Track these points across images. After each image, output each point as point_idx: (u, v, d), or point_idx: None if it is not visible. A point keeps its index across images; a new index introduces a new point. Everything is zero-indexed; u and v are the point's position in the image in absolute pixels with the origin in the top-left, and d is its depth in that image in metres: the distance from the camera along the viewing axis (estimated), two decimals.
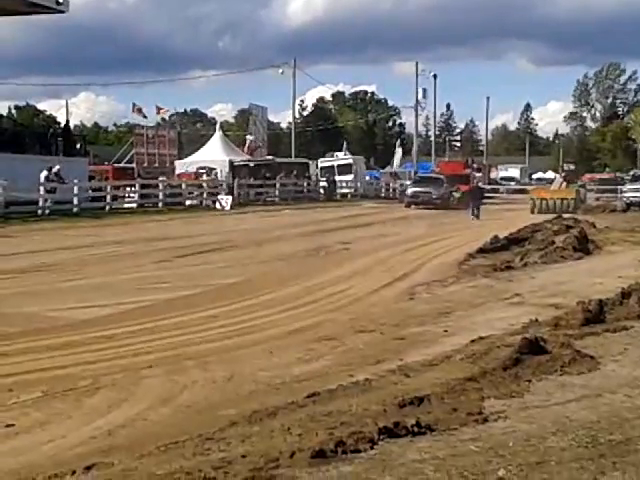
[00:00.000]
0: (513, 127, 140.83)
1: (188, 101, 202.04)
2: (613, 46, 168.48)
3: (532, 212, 37.49)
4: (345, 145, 63.90)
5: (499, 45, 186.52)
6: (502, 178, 75.16)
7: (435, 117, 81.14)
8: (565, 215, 28.47)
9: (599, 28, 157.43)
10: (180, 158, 52.20)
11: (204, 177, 44.93)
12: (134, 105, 52.68)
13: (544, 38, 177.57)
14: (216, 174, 45.57)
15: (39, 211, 31.26)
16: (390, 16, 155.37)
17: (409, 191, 45.46)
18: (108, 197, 36.55)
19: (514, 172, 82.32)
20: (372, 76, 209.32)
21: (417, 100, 69.35)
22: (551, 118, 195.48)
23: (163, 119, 67.81)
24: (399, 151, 71.67)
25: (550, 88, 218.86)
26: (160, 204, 38.65)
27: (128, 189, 40.18)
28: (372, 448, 4.68)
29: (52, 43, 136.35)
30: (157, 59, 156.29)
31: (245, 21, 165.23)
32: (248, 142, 55.96)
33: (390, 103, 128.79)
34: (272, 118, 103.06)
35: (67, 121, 55.15)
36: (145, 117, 52.38)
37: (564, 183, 45.03)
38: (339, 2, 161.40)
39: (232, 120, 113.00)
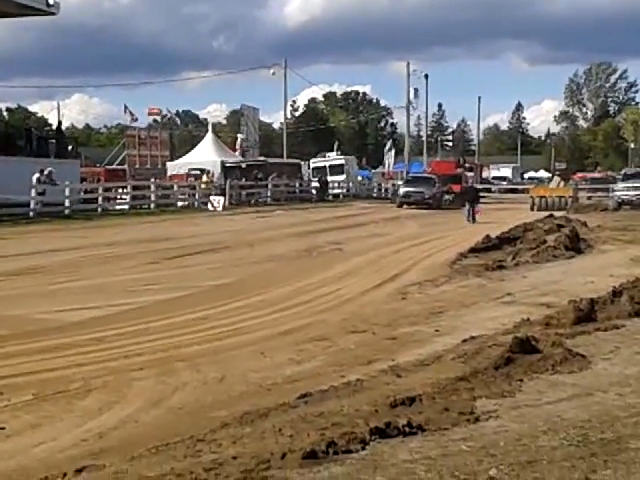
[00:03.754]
0: (506, 126, 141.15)
1: (182, 102, 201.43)
2: (609, 45, 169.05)
3: (532, 209, 38.59)
4: (336, 145, 63.90)
5: (494, 44, 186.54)
6: (494, 177, 75.19)
7: (427, 117, 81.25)
8: (557, 214, 28.54)
9: (595, 26, 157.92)
10: (172, 159, 52.14)
11: (204, 178, 44.76)
12: (126, 107, 52.41)
13: (539, 37, 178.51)
14: (212, 175, 45.42)
15: (31, 213, 31.19)
16: (386, 16, 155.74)
17: (401, 191, 45.45)
18: (100, 199, 36.53)
19: (506, 171, 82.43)
20: (367, 76, 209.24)
21: (408, 100, 69.37)
22: (545, 117, 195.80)
23: (155, 120, 67.73)
24: (391, 151, 71.66)
25: (545, 87, 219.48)
26: (152, 205, 38.63)
27: (120, 191, 40.11)
28: (363, 448, 4.67)
29: (45, 44, 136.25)
30: (151, 60, 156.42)
31: (240, 21, 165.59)
32: (239, 141, 55.98)
33: (382, 103, 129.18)
34: (266, 119, 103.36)
35: (59, 122, 54.90)
36: (135, 119, 52.15)
37: (562, 182, 45.76)
38: (335, 2, 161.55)
39: (224, 121, 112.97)
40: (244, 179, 46.24)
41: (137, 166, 47.72)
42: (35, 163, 33.56)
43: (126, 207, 37.77)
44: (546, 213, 29.47)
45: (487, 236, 20.12)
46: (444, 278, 14.79)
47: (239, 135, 57.71)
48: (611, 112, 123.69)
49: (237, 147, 54.98)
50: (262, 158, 54.74)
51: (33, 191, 31.95)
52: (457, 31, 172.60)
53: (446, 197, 44.91)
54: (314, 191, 52.02)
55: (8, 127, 52.53)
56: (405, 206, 42.95)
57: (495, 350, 7.22)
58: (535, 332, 8.15)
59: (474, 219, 32.28)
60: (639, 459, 4.48)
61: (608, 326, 8.54)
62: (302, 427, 5.21)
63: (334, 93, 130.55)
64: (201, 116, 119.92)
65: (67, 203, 33.46)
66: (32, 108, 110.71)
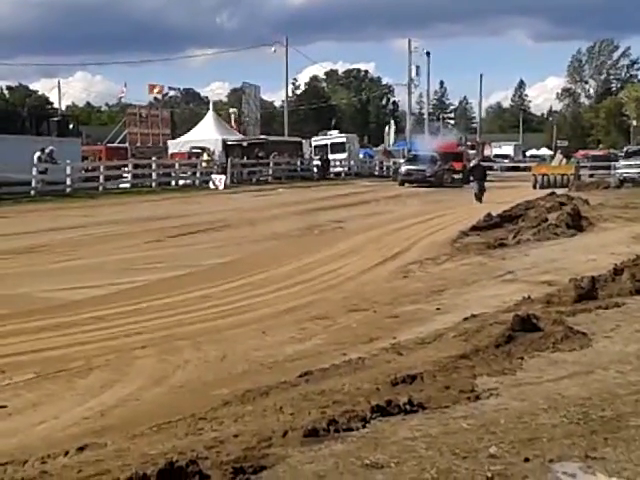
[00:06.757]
0: (508, 104, 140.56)
1: (185, 79, 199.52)
2: (614, 21, 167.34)
3: (534, 187, 38.57)
4: (333, 123, 63.60)
5: (499, 21, 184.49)
6: (496, 155, 74.93)
7: (428, 95, 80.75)
8: (558, 192, 28.49)
9: (600, 3, 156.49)
10: (173, 138, 52.05)
11: (204, 156, 44.62)
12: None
13: (544, 13, 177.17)
14: (214, 153, 45.25)
15: (32, 192, 31.22)
16: None
17: (402, 169, 45.26)
18: (101, 177, 36.42)
19: (508, 149, 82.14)
20: (371, 54, 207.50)
21: (410, 77, 68.99)
22: (549, 94, 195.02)
23: (156, 98, 67.62)
24: (390, 129, 71.39)
25: (549, 64, 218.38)
26: (153, 184, 38.58)
27: (121, 169, 40.06)
28: (364, 426, 4.67)
29: (47, 22, 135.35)
30: (154, 37, 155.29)
31: None
32: (233, 117, 55.97)
33: (384, 81, 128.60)
34: (268, 97, 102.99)
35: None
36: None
37: (564, 160, 45.81)
38: None
39: (225, 99, 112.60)
40: (245, 157, 46.13)
41: (138, 144, 47.73)
42: (36, 142, 33.52)
43: (127, 186, 37.70)
44: (548, 191, 29.43)
45: (489, 214, 20.09)
46: (445, 256, 14.79)
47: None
48: (613, 89, 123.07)
49: (232, 123, 54.86)
50: (263, 136, 54.55)
51: (34, 170, 31.93)
52: (462, 8, 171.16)
53: (446, 176, 44.65)
54: (315, 169, 51.89)
55: (9, 105, 52.45)
56: (407, 184, 42.79)
57: (496, 328, 7.21)
58: (536, 310, 8.14)
59: (481, 200, 29.79)
60: (639, 437, 4.48)
61: (609, 304, 8.52)
62: (303, 405, 5.22)
63: (335, 71, 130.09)
64: (203, 94, 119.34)
65: (68, 182, 33.46)
66: (34, 86, 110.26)
